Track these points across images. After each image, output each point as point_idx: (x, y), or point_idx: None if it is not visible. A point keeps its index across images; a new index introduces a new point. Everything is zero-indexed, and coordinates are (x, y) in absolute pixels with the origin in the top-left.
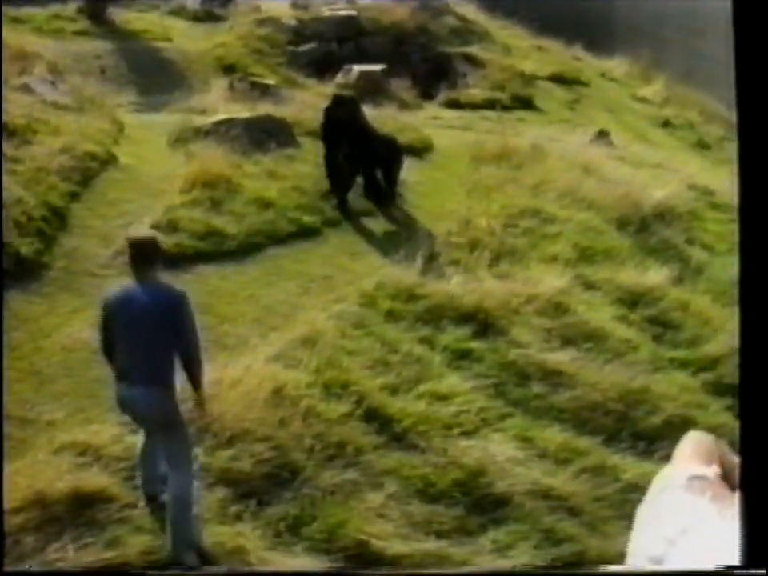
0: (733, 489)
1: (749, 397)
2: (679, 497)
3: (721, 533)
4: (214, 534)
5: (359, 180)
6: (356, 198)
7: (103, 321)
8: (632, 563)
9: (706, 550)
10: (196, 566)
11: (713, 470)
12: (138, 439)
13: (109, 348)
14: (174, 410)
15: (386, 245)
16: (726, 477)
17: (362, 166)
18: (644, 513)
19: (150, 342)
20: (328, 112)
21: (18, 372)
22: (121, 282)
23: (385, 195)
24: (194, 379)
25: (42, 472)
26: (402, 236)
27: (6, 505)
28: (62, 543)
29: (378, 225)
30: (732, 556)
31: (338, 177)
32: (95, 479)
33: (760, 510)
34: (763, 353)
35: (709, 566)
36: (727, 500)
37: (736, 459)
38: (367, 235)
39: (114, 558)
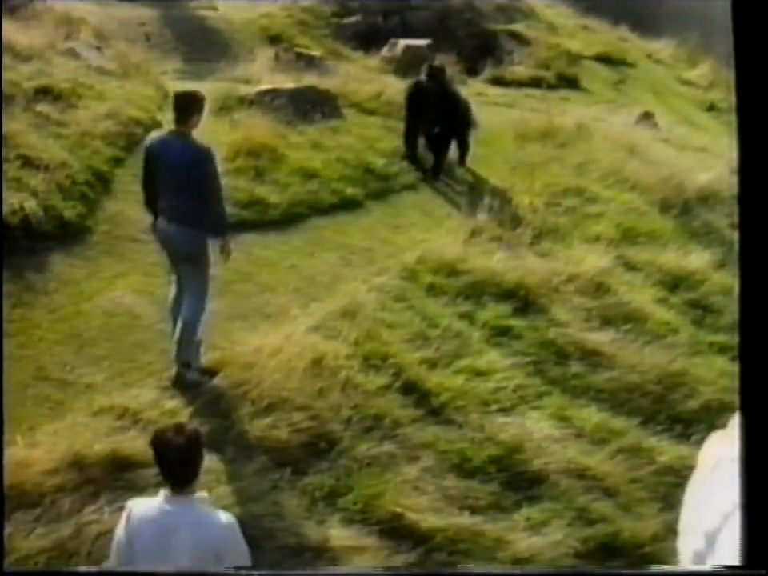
0: None
1: (749, 397)
2: (732, 471)
3: None
4: (251, 501)
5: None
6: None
7: (144, 164)
8: (685, 539)
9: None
10: (196, 380)
11: None
12: (170, 291)
13: (148, 187)
14: (202, 247)
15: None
16: None
17: (452, 131)
18: (696, 488)
19: (185, 186)
20: (421, 82)
21: (58, 334)
22: (160, 132)
23: (459, 159)
24: (218, 227)
25: (81, 434)
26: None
27: (44, 465)
28: (98, 505)
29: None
30: None
31: (432, 142)
32: (133, 442)
33: (760, 510)
34: (763, 352)
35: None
36: None
37: None
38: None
39: None
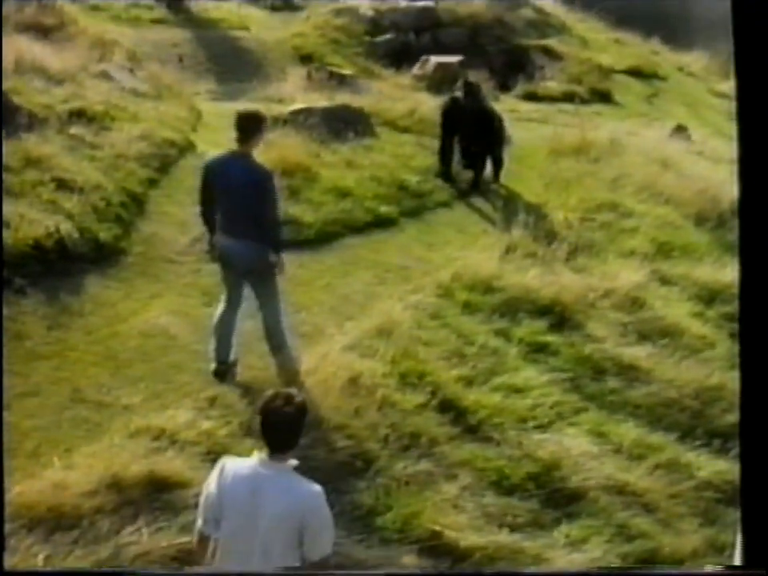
0: None
1: (749, 400)
2: None
3: None
4: None
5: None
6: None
7: (203, 181)
8: None
9: None
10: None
11: None
12: (217, 309)
13: (206, 204)
14: (266, 259)
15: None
16: None
17: (488, 147)
18: None
19: (245, 205)
20: (457, 99)
21: (95, 356)
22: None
23: (493, 175)
24: (274, 243)
25: (118, 455)
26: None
27: (82, 487)
28: (137, 527)
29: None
30: None
31: (469, 159)
32: (170, 463)
33: (760, 511)
34: (764, 357)
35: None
36: None
37: None
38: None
39: (188, 543)
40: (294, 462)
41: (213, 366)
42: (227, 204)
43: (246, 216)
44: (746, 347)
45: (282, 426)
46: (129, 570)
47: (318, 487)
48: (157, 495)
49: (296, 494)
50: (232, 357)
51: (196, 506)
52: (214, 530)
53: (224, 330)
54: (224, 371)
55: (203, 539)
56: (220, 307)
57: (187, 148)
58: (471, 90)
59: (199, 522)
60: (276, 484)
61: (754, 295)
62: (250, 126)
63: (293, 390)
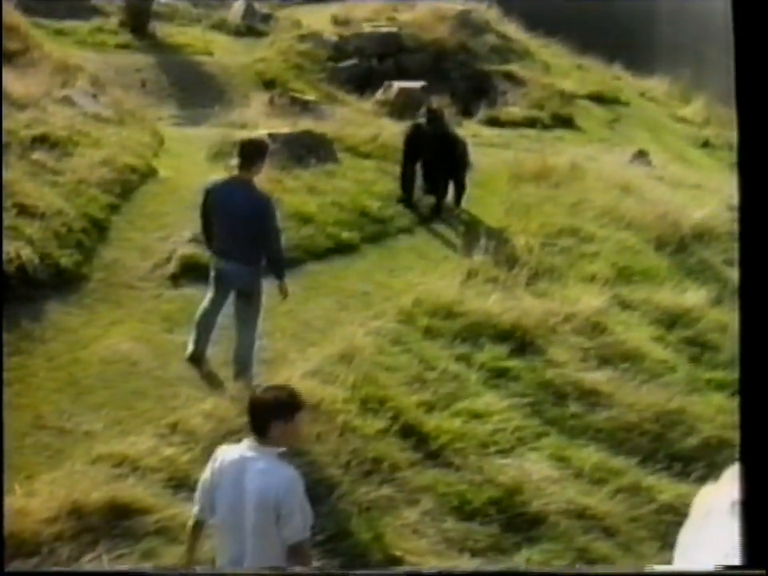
0: None
1: (749, 401)
2: (723, 522)
3: None
4: None
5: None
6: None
7: (203, 203)
8: None
9: None
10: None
11: None
12: (201, 305)
13: (207, 229)
14: (257, 284)
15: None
16: None
17: (450, 172)
18: (688, 536)
19: (246, 231)
20: (420, 125)
21: (56, 382)
22: (224, 175)
23: (455, 201)
24: (277, 270)
25: (79, 482)
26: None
27: (43, 514)
28: (97, 553)
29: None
30: None
31: (431, 184)
32: (131, 490)
33: (760, 511)
34: (764, 360)
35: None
36: None
37: None
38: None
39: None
40: (278, 448)
41: (190, 349)
42: (226, 228)
43: (245, 241)
44: (746, 345)
45: (259, 410)
46: (132, 570)
47: (293, 471)
48: (118, 522)
49: (271, 476)
50: (208, 353)
51: (157, 532)
52: (209, 515)
53: (205, 324)
54: (199, 357)
55: (198, 525)
56: (204, 303)
57: (149, 174)
58: (434, 116)
59: (195, 509)
60: (256, 466)
61: (754, 301)
62: (252, 153)
63: (288, 385)
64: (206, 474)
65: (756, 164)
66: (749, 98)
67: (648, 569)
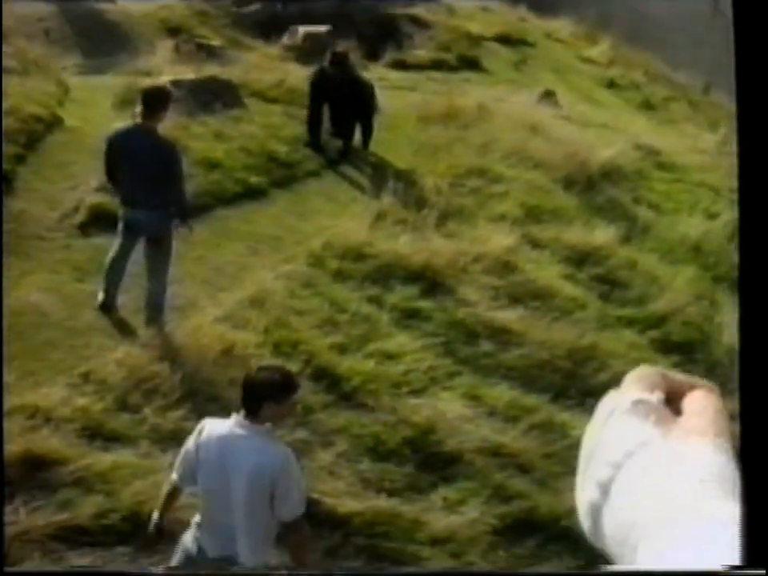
0: (677, 413)
1: (749, 395)
2: (624, 421)
3: (665, 455)
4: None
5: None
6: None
7: (107, 153)
8: (581, 491)
9: (650, 472)
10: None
11: (656, 396)
12: (109, 253)
13: (112, 175)
14: (167, 230)
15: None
16: (671, 403)
17: (357, 115)
18: (590, 439)
19: (151, 178)
20: (325, 69)
21: None
22: (127, 123)
23: (363, 143)
24: (182, 213)
25: None
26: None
27: None
28: (14, 506)
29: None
30: (674, 478)
31: (340, 127)
32: (45, 441)
33: (760, 510)
34: (763, 349)
35: (710, 565)
36: (671, 423)
37: (687, 384)
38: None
39: (67, 521)
40: (268, 425)
41: (100, 298)
42: (132, 176)
43: (151, 187)
44: (746, 344)
45: (253, 390)
46: (133, 571)
47: (286, 448)
48: (33, 474)
49: (265, 454)
50: (119, 301)
51: (74, 483)
52: (189, 484)
53: (114, 272)
54: (110, 306)
55: (175, 491)
56: (112, 252)
57: (55, 123)
58: (338, 59)
59: (174, 476)
60: (248, 444)
61: (755, 290)
62: (155, 101)
63: (283, 367)
64: (188, 445)
65: (757, 163)
66: (749, 97)
67: (648, 568)
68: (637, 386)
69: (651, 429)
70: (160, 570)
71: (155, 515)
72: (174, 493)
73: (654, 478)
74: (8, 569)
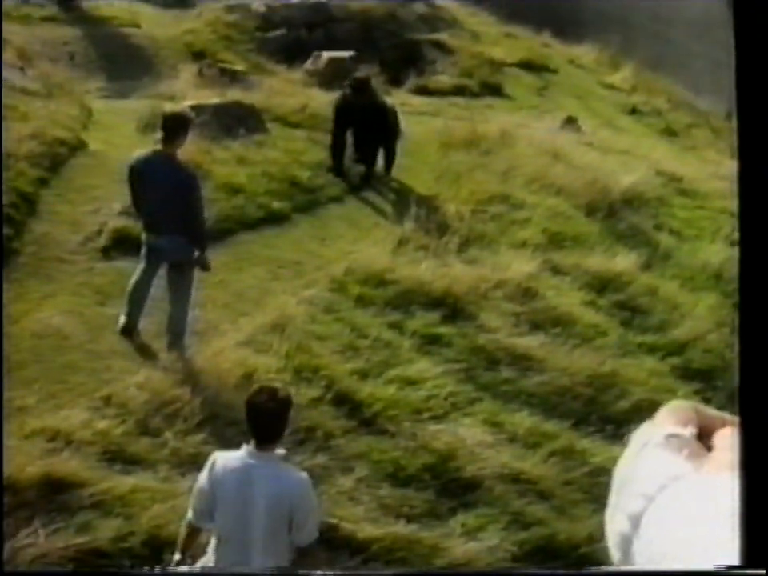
0: (708, 449)
1: (749, 396)
2: (657, 454)
3: (696, 489)
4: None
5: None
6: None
7: (129, 179)
8: (611, 522)
9: (682, 506)
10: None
11: (689, 430)
12: (133, 277)
13: (136, 202)
14: (189, 255)
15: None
16: (702, 438)
17: (380, 141)
18: (623, 471)
19: (171, 203)
20: (347, 95)
21: None
22: (147, 150)
23: (385, 169)
24: (199, 243)
25: (13, 457)
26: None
27: None
28: (33, 528)
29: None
30: (706, 512)
31: (363, 153)
32: (65, 464)
33: (760, 510)
34: (764, 352)
35: (708, 565)
36: (703, 457)
37: (718, 419)
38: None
39: (85, 544)
40: (281, 451)
41: (122, 322)
42: (153, 202)
43: (172, 214)
44: (745, 344)
45: (266, 420)
46: (132, 572)
47: (304, 475)
48: (53, 496)
49: (284, 482)
50: (141, 325)
51: (93, 506)
52: (207, 521)
53: (137, 296)
54: (132, 329)
55: (194, 531)
56: (135, 276)
57: (78, 147)
58: (359, 84)
59: (190, 515)
60: (265, 473)
61: (755, 293)
62: (175, 126)
63: (278, 385)
64: (201, 482)
65: (757, 165)
66: (749, 98)
67: (649, 569)
68: (670, 420)
69: (684, 463)
70: (159, 570)
71: (177, 556)
72: (192, 533)
73: (685, 512)
74: (8, 569)
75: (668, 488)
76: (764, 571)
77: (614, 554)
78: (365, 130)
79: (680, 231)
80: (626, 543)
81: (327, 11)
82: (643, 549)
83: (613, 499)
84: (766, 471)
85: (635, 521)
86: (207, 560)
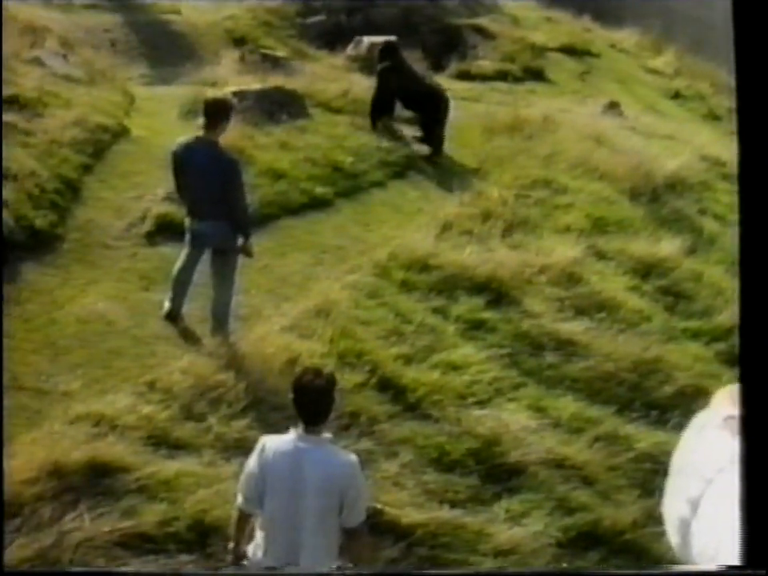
0: None
1: (750, 396)
2: (716, 436)
3: None
4: (230, 504)
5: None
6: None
7: (173, 166)
8: (669, 506)
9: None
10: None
11: None
12: (177, 262)
13: (179, 188)
14: (233, 241)
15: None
16: None
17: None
18: (680, 455)
19: (214, 189)
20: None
21: (33, 343)
22: (189, 136)
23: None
24: (242, 230)
25: (58, 442)
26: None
27: (23, 475)
28: (78, 513)
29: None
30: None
31: (427, 134)
32: (111, 449)
33: (760, 510)
34: (765, 341)
35: (711, 566)
36: None
37: None
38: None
39: (130, 528)
40: (328, 434)
41: (166, 307)
42: (196, 188)
43: (213, 200)
44: (745, 345)
45: (314, 398)
46: (132, 572)
47: (354, 457)
48: (98, 481)
49: (335, 464)
50: (185, 310)
51: (138, 490)
52: (257, 507)
53: (181, 282)
54: (176, 315)
55: (244, 516)
56: (180, 261)
57: (121, 133)
58: (387, 51)
59: (240, 500)
60: (315, 456)
61: (756, 272)
62: (216, 113)
63: (316, 368)
64: (251, 467)
65: (757, 166)
66: (749, 95)
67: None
68: (728, 402)
69: None
70: (166, 570)
71: (231, 545)
72: (243, 518)
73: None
74: (8, 569)
75: (726, 471)
76: (764, 571)
77: (673, 538)
78: (423, 110)
79: (724, 216)
80: (685, 527)
81: None
82: (702, 534)
83: (671, 483)
84: (766, 472)
85: (694, 505)
86: (257, 545)
